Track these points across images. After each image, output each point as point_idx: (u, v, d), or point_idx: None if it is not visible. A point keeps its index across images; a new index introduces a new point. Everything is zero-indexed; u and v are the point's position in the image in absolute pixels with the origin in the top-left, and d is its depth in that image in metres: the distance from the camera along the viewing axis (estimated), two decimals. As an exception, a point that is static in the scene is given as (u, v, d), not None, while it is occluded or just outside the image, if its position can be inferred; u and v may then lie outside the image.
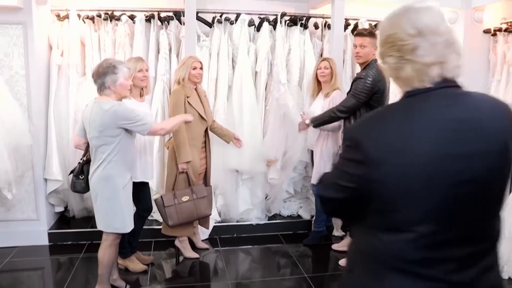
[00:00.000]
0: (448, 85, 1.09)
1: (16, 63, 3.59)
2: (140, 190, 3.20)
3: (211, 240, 3.98)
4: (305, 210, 4.35)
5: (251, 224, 4.14)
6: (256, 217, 4.22)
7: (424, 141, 1.03)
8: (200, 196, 3.39)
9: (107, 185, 2.61)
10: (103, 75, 2.55)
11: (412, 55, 1.07)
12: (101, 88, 2.59)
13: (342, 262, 3.48)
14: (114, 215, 2.66)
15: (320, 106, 3.63)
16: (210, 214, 3.56)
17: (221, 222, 4.14)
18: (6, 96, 3.43)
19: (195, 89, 3.46)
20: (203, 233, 3.97)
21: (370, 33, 3.26)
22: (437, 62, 1.06)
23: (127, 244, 3.31)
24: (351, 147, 1.12)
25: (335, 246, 3.81)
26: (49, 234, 3.81)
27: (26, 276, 3.37)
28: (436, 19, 1.08)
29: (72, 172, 2.90)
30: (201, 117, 3.40)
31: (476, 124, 1.05)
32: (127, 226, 2.73)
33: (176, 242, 3.61)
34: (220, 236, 4.05)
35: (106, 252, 2.74)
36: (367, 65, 3.25)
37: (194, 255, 3.62)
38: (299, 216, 4.35)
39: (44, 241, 3.80)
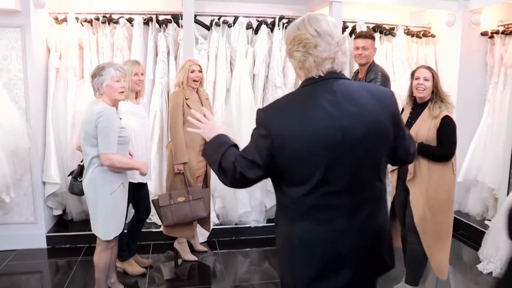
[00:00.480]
0: (334, 76, 1.45)
1: (14, 66, 3.60)
2: (138, 192, 3.21)
3: (209, 242, 3.98)
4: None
5: (249, 227, 4.15)
6: (254, 220, 4.21)
7: (311, 119, 1.39)
8: (196, 198, 3.40)
9: (94, 189, 2.59)
10: (93, 77, 2.59)
11: (313, 51, 1.41)
12: (94, 90, 2.63)
13: None
14: (100, 220, 2.63)
15: None
16: (206, 216, 3.55)
17: (220, 224, 4.14)
18: (4, 99, 3.44)
19: (197, 92, 3.49)
20: (201, 235, 3.97)
21: (371, 35, 3.39)
22: (330, 57, 1.42)
23: (126, 247, 3.31)
24: (260, 126, 1.46)
25: None
26: (47, 237, 3.81)
27: (24, 280, 3.36)
28: (331, 26, 1.43)
29: (71, 173, 2.91)
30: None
31: (351, 105, 1.40)
32: (109, 233, 2.66)
33: (175, 244, 3.61)
34: (218, 238, 4.05)
35: (101, 256, 2.73)
36: (370, 67, 3.34)
37: (193, 257, 3.63)
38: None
39: (42, 244, 3.80)
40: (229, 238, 4.09)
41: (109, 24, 3.95)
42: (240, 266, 3.69)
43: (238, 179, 1.47)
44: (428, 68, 2.81)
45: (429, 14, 4.69)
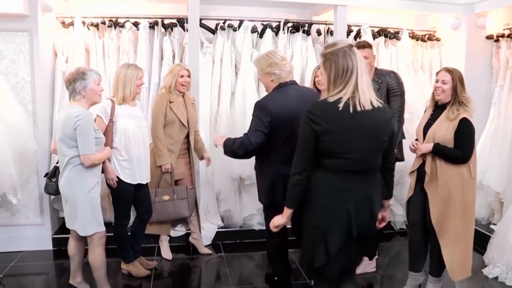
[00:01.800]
0: (294, 83, 2.76)
1: (21, 70, 3.65)
2: (138, 193, 3.23)
3: (214, 245, 4.00)
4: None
5: (254, 230, 4.15)
6: (258, 223, 4.21)
7: (289, 104, 2.58)
8: (180, 197, 3.53)
9: (71, 187, 2.69)
10: (73, 81, 2.68)
11: (283, 67, 2.66)
12: (73, 94, 2.71)
13: None
14: (80, 217, 2.73)
15: None
16: (189, 216, 3.66)
17: (224, 227, 4.16)
18: (11, 102, 3.47)
19: (183, 96, 3.56)
20: (206, 238, 3.99)
21: (368, 44, 3.44)
22: (291, 70, 2.73)
23: (130, 248, 3.33)
24: (264, 109, 2.59)
25: None
26: (53, 239, 3.84)
27: (31, 281, 3.39)
28: (284, 54, 2.88)
29: (46, 174, 3.01)
30: (182, 123, 3.49)
31: (305, 99, 2.54)
32: (88, 228, 2.76)
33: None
34: (223, 241, 4.06)
35: (95, 253, 2.81)
36: (376, 72, 3.45)
37: (169, 256, 3.71)
38: (302, 222, 4.35)
39: (48, 246, 3.83)
40: (234, 241, 4.10)
41: (115, 28, 3.99)
42: (244, 269, 3.69)
43: (251, 146, 2.58)
44: (449, 71, 2.81)
45: (434, 18, 4.69)
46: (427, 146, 2.78)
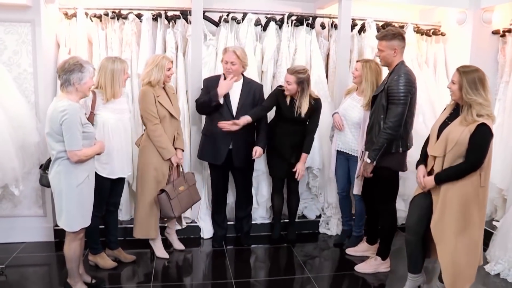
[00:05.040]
0: None
1: (24, 61, 3.63)
2: (115, 185, 3.26)
3: (215, 238, 3.99)
4: (310, 210, 4.34)
5: (255, 223, 4.14)
6: (260, 217, 4.22)
7: None
8: (192, 184, 3.60)
9: (59, 181, 2.65)
10: (69, 71, 2.59)
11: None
12: (65, 84, 2.61)
13: (358, 267, 3.44)
14: (65, 212, 2.68)
15: (361, 111, 3.57)
16: (200, 199, 3.80)
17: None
18: (14, 93, 3.46)
19: (163, 88, 3.50)
20: (208, 231, 3.99)
21: (384, 36, 3.19)
22: None
23: (99, 240, 3.33)
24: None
25: (349, 251, 3.78)
26: (55, 230, 3.84)
27: (32, 272, 3.40)
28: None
29: (41, 166, 2.98)
30: (172, 116, 3.46)
31: None
32: (74, 224, 2.72)
33: (151, 242, 3.64)
34: (225, 235, 4.05)
35: (70, 247, 2.79)
36: (394, 69, 3.17)
37: (165, 255, 3.62)
38: (303, 216, 4.35)
39: (50, 237, 3.84)
40: (236, 234, 4.09)
41: (118, 19, 3.96)
42: (246, 263, 3.70)
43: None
44: (458, 70, 2.66)
45: (440, 12, 4.65)
46: (430, 182, 2.65)
